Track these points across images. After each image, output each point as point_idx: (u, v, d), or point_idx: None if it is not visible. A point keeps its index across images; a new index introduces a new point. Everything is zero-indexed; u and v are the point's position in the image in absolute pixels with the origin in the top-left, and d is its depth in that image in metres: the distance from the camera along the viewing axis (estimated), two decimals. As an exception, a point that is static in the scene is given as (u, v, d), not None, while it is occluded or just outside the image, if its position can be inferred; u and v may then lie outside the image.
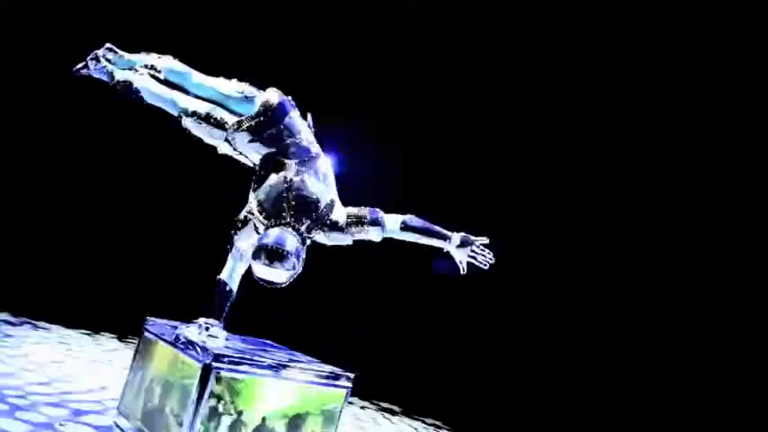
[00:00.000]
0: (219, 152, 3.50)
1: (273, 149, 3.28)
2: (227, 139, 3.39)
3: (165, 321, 3.47)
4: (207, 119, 3.36)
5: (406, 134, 7.92)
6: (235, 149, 3.43)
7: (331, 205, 3.21)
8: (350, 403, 5.57)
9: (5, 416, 3.35)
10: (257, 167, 3.33)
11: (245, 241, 3.38)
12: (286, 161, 3.23)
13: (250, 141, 3.31)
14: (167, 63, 3.41)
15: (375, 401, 6.18)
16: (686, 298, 7.08)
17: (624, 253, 7.44)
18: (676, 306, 7.12)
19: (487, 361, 7.55)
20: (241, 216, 3.39)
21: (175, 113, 3.44)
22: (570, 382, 7.27)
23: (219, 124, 3.37)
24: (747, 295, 6.89)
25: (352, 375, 3.35)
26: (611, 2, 7.52)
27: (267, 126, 3.29)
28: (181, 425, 2.85)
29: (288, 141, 3.27)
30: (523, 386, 7.38)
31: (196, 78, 3.39)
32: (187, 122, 3.42)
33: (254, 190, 3.26)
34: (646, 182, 7.47)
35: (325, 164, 3.30)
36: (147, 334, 3.43)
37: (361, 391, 5.82)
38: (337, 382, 3.29)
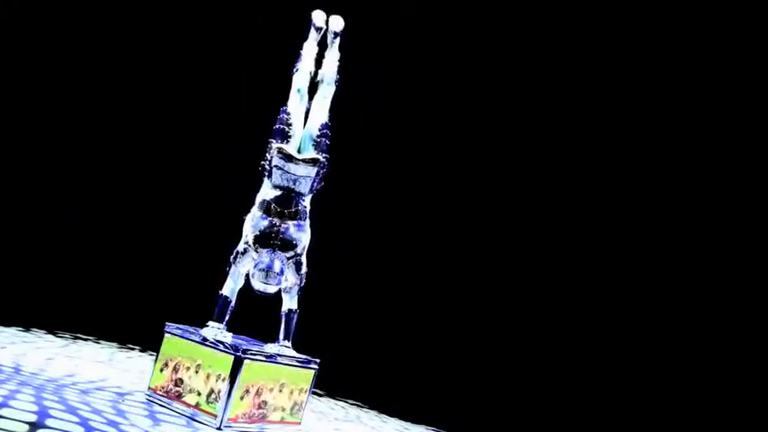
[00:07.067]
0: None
1: (285, 190, 4.51)
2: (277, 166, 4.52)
3: (180, 326, 4.61)
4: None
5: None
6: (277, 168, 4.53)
7: (303, 251, 4.51)
8: (354, 405, 6.40)
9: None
10: (257, 204, 4.55)
11: (244, 266, 4.53)
12: (278, 208, 4.47)
13: (285, 172, 4.49)
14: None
15: (377, 406, 6.54)
16: (684, 296, 7.13)
17: (620, 252, 7.45)
18: (674, 305, 7.16)
19: (489, 365, 7.60)
20: (240, 248, 4.54)
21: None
22: (574, 386, 7.28)
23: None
24: (747, 294, 6.93)
25: (318, 361, 4.77)
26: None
27: (317, 171, 4.54)
28: (216, 399, 4.15)
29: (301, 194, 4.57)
30: (526, 391, 7.41)
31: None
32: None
33: (252, 225, 4.48)
34: (642, 178, 7.50)
35: (307, 222, 4.59)
36: (169, 335, 4.55)
37: (362, 395, 6.67)
38: (309, 365, 4.72)
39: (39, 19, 7.22)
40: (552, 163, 7.91)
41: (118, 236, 7.71)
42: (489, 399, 7.37)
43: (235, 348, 4.23)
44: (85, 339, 6.25)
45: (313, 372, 4.74)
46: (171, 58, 7.81)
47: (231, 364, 4.17)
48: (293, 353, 4.60)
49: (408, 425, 6.21)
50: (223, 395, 4.16)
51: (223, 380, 4.18)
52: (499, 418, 7.20)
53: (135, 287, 7.36)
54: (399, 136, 8.07)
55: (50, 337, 5.94)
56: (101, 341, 6.34)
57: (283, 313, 4.65)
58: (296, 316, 4.65)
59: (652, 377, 7.11)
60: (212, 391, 4.21)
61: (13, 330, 5.68)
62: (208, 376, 4.26)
